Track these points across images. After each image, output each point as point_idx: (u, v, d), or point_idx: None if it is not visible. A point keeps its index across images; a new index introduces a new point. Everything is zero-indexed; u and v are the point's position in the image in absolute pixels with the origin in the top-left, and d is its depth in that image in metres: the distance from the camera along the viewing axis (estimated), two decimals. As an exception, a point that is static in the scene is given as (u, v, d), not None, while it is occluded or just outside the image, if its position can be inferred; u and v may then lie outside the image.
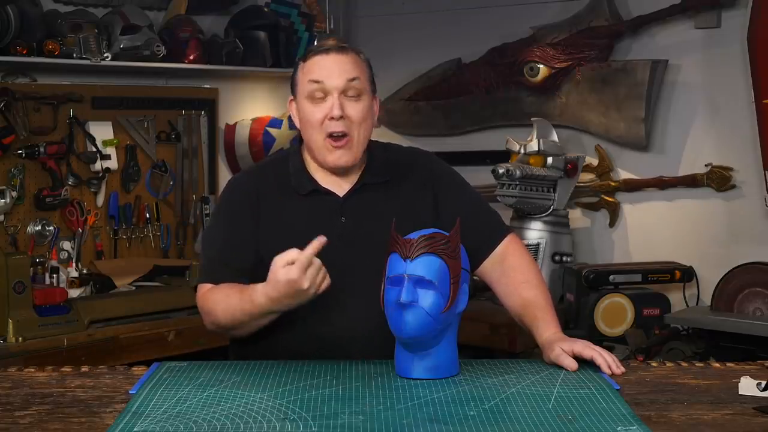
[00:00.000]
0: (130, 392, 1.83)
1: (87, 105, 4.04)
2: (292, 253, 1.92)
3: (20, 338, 3.21)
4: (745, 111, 3.79)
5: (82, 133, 4.03)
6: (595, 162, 4.27)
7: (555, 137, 4.12)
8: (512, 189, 3.98)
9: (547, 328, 2.09)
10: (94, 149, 4.03)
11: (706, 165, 4.00)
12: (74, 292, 3.66)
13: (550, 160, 4.05)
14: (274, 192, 2.19)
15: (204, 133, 4.51)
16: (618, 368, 1.96)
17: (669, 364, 2.10)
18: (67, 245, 3.94)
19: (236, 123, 4.61)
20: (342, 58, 2.15)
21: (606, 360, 1.97)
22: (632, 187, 4.21)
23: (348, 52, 2.16)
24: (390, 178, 2.22)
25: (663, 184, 4.13)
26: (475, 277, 2.19)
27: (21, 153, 3.80)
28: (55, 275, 3.62)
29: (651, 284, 3.92)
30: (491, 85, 4.49)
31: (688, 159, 4.07)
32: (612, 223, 4.29)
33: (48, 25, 3.79)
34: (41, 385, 1.90)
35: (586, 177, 4.28)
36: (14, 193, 3.76)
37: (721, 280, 3.70)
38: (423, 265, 1.87)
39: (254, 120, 4.62)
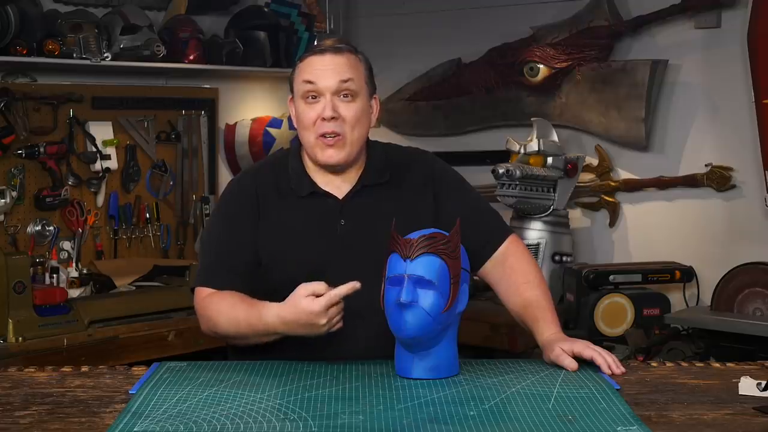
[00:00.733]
0: (130, 392, 1.83)
1: (87, 105, 4.04)
2: (320, 286, 1.94)
3: (20, 338, 3.21)
4: (745, 111, 3.79)
5: (82, 133, 4.03)
6: (595, 162, 4.28)
7: (555, 137, 4.12)
8: (512, 189, 3.98)
9: (547, 328, 2.09)
10: (94, 149, 4.04)
11: (706, 165, 4.00)
12: (74, 292, 3.66)
13: (550, 160, 4.05)
14: (273, 193, 2.19)
15: (204, 133, 4.51)
16: (618, 368, 1.96)
17: (669, 364, 2.10)
18: (67, 245, 3.94)
19: (236, 123, 4.61)
20: (337, 59, 2.14)
21: (606, 360, 1.97)
22: (632, 187, 4.21)
23: (344, 53, 2.16)
24: (390, 178, 2.22)
25: (663, 184, 4.13)
26: (475, 278, 2.19)
27: (21, 153, 3.80)
28: (55, 275, 3.62)
29: (651, 284, 3.92)
30: (491, 85, 4.49)
31: (688, 159, 4.07)
32: (612, 223, 4.29)
33: (48, 25, 3.79)
34: (41, 385, 1.90)
35: (586, 177, 4.28)
36: (14, 193, 3.76)
37: (721, 280, 3.70)
38: (423, 265, 1.87)
39: (254, 120, 4.63)
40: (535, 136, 4.08)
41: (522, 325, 2.18)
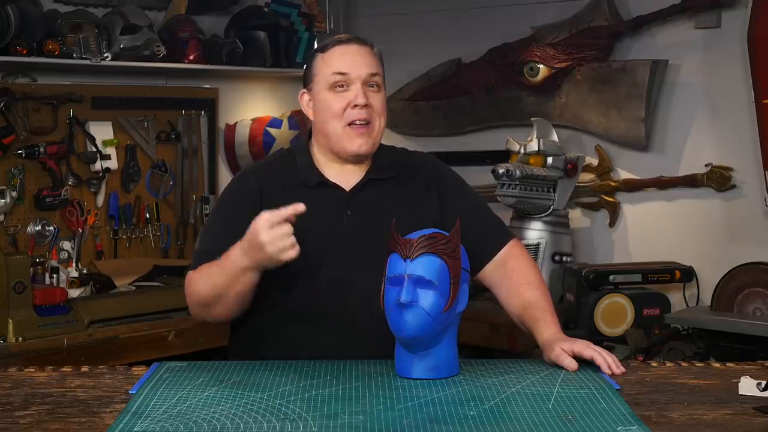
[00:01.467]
0: (130, 392, 1.83)
1: (87, 105, 4.04)
2: (270, 211, 1.95)
3: (20, 338, 3.21)
4: (745, 111, 3.79)
5: (82, 133, 4.03)
6: (595, 162, 4.28)
7: (555, 137, 4.12)
8: (512, 189, 3.98)
9: (547, 328, 2.09)
10: (94, 149, 4.04)
11: (706, 165, 4.00)
12: (74, 292, 3.66)
13: (550, 160, 4.05)
14: (279, 186, 2.20)
15: (204, 133, 4.51)
16: (618, 368, 1.96)
17: (669, 364, 2.10)
18: (67, 245, 3.94)
19: (236, 123, 4.61)
20: (363, 49, 2.19)
21: (606, 360, 1.97)
22: (632, 187, 4.21)
23: (366, 45, 2.21)
24: (396, 175, 2.24)
25: (663, 184, 4.13)
26: (474, 279, 2.19)
27: (21, 153, 3.80)
28: (55, 275, 3.62)
29: (651, 284, 3.92)
30: (491, 85, 4.49)
31: (688, 159, 4.07)
32: (612, 223, 4.29)
33: (48, 25, 3.79)
34: (41, 385, 1.90)
35: (586, 177, 4.28)
36: (14, 193, 3.76)
37: (721, 280, 3.70)
38: (423, 265, 1.87)
39: (254, 120, 4.63)
40: (535, 136, 4.08)
41: (522, 326, 2.18)
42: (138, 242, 4.25)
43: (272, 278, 2.07)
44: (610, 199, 4.26)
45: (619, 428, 1.60)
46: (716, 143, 3.99)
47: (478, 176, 3.84)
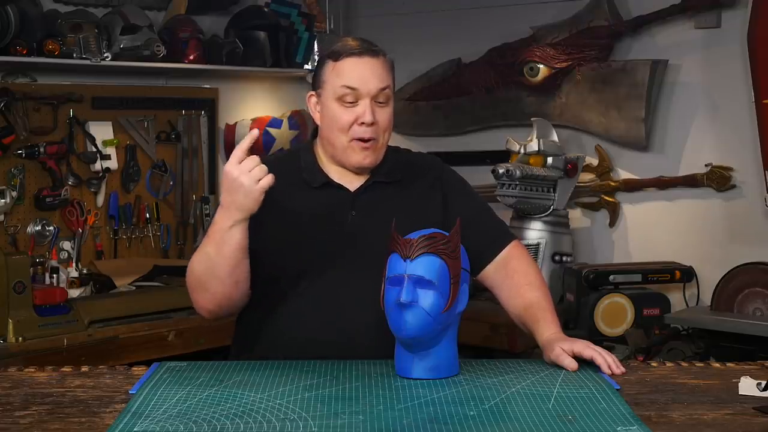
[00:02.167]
0: (130, 392, 1.83)
1: (87, 105, 4.04)
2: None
3: (20, 338, 3.21)
4: (745, 111, 3.79)
5: (82, 133, 4.03)
6: (595, 162, 4.28)
7: (555, 137, 4.12)
8: (512, 189, 3.98)
9: (547, 328, 2.09)
10: (94, 149, 4.03)
11: (706, 165, 4.00)
12: (74, 292, 3.66)
13: (550, 160, 4.05)
14: (283, 184, 2.20)
15: (204, 133, 4.51)
16: (618, 368, 1.96)
17: (669, 364, 2.10)
18: (67, 245, 3.94)
19: (236, 123, 4.61)
20: (375, 63, 2.15)
21: (606, 360, 1.97)
22: (632, 187, 4.21)
23: (379, 56, 2.17)
24: (401, 177, 2.25)
25: (663, 184, 4.13)
26: (474, 279, 2.19)
27: (21, 153, 3.80)
28: (55, 275, 3.62)
29: (651, 284, 3.92)
30: (491, 85, 4.49)
31: (688, 159, 4.07)
32: (612, 223, 4.29)
33: (48, 25, 3.79)
34: (41, 385, 1.90)
35: (586, 177, 4.28)
36: (14, 193, 3.76)
37: (721, 280, 3.70)
38: (423, 265, 1.87)
39: (254, 120, 4.62)
40: (535, 136, 4.08)
41: (522, 327, 2.19)
42: (138, 242, 4.25)
43: (275, 277, 2.07)
44: (610, 199, 4.26)
45: (619, 428, 1.60)
46: (716, 143, 3.99)
47: (478, 176, 3.84)
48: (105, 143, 4.08)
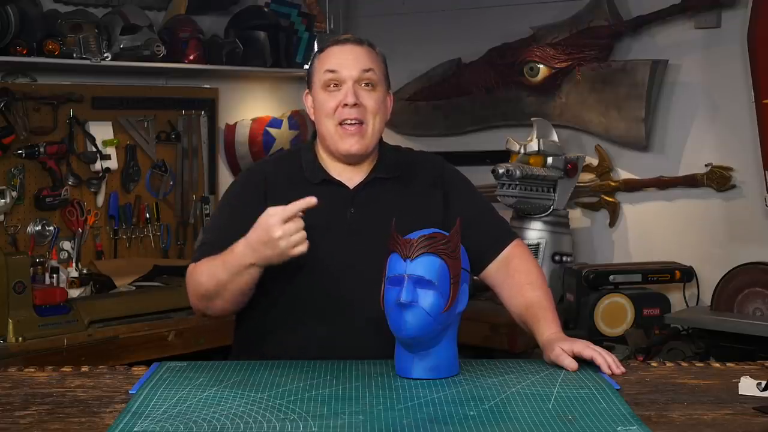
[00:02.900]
0: (130, 392, 1.83)
1: (87, 105, 4.04)
2: (281, 207, 1.93)
3: (20, 338, 3.21)
4: (745, 111, 3.79)
5: (82, 133, 4.03)
6: (595, 162, 4.28)
7: (555, 137, 4.12)
8: (512, 189, 3.98)
9: (548, 327, 2.09)
10: (94, 149, 4.04)
11: (706, 165, 4.00)
12: (74, 292, 3.66)
13: (550, 160, 4.05)
14: (284, 182, 2.21)
15: (204, 133, 4.51)
16: (618, 368, 1.96)
17: (669, 364, 2.10)
18: (67, 245, 3.94)
19: (236, 123, 4.61)
20: (357, 49, 2.19)
21: (606, 360, 1.97)
22: (632, 187, 4.21)
23: (364, 45, 2.21)
24: (401, 174, 2.25)
25: (663, 184, 4.13)
26: (475, 278, 2.19)
27: (21, 153, 3.80)
28: (55, 275, 3.62)
29: (651, 284, 3.92)
30: (491, 85, 4.49)
31: (688, 159, 4.07)
32: (612, 223, 4.29)
33: (48, 25, 3.79)
34: (41, 385, 1.90)
35: (586, 177, 4.28)
36: (14, 193, 3.76)
37: (721, 280, 3.70)
38: (423, 265, 1.87)
39: (254, 120, 4.63)
40: (535, 136, 4.08)
41: (523, 326, 2.19)
42: (138, 242, 4.25)
43: (274, 276, 2.08)
44: (610, 199, 4.26)
45: (619, 428, 1.60)
46: (716, 143, 3.99)
47: (478, 176, 3.81)
48: (105, 143, 4.08)
